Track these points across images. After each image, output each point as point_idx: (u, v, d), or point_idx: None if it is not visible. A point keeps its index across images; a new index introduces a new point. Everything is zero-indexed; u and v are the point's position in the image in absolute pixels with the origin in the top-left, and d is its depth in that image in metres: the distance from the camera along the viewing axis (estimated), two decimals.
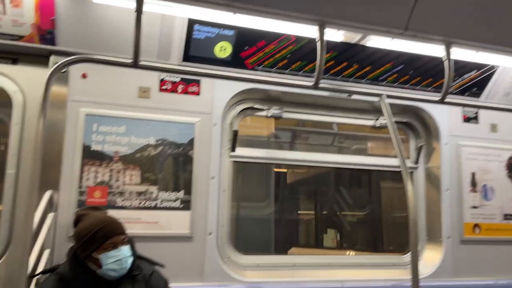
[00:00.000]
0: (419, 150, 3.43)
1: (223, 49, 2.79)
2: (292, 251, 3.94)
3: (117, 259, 1.99)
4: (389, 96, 2.46)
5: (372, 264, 3.23)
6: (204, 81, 2.85)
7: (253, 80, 2.63)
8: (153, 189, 2.69)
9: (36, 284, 2.09)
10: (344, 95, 3.16)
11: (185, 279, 2.60)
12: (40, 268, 2.18)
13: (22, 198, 2.51)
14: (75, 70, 2.58)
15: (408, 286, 2.10)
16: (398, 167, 2.26)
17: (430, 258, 3.29)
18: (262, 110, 3.13)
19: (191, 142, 2.79)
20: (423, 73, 3.26)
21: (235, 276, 2.74)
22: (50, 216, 2.36)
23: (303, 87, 2.59)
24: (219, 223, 2.81)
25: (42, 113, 1.91)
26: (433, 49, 2.59)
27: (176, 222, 2.68)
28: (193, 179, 2.76)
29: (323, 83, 2.40)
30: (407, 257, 3.32)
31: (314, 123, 3.68)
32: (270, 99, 3.17)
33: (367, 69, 3.11)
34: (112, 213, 2.27)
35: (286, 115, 3.19)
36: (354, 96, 3.20)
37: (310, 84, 2.30)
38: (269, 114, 3.13)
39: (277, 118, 3.21)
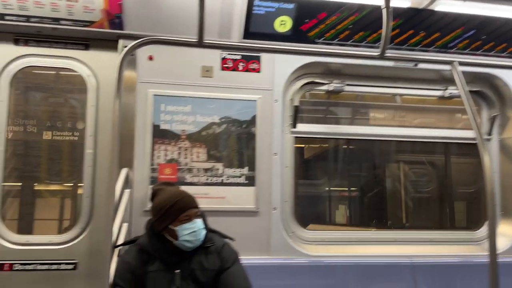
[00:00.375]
0: (492, 120, 3.22)
1: (283, 24, 2.76)
2: (353, 227, 3.91)
3: (192, 231, 2.09)
4: (461, 63, 2.31)
5: (442, 240, 3.13)
6: (264, 57, 2.85)
7: (315, 53, 2.58)
8: (219, 165, 2.76)
9: (119, 254, 2.25)
10: (410, 65, 3.02)
11: (253, 252, 2.67)
12: (120, 240, 2.34)
13: (100, 176, 2.69)
14: (142, 53, 2.68)
15: (480, 261, 2.01)
16: (469, 139, 2.14)
17: (505, 234, 3.13)
18: (323, 84, 3.08)
19: (253, 119, 2.82)
20: (497, 37, 3.02)
21: (301, 250, 2.78)
22: (127, 192, 2.51)
23: (368, 58, 2.51)
24: (283, 199, 2.85)
25: (117, 95, 2.00)
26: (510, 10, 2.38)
27: (242, 197, 2.75)
28: (256, 155, 2.80)
29: (389, 53, 2.30)
30: (479, 233, 3.18)
31: (373, 97, 3.56)
32: (331, 72, 3.10)
33: (435, 36, 2.94)
34: (182, 188, 2.37)
35: (348, 88, 3.12)
36: (421, 66, 3.05)
37: (376, 54, 2.22)
38: (331, 88, 3.08)
39: (338, 92, 3.15)
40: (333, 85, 3.06)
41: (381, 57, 2.22)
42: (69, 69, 2.74)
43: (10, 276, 2.52)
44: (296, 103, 2.96)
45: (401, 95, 3.50)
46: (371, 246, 3.03)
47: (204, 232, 2.14)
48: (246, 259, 2.37)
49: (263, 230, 2.74)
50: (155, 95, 2.70)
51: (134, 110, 2.67)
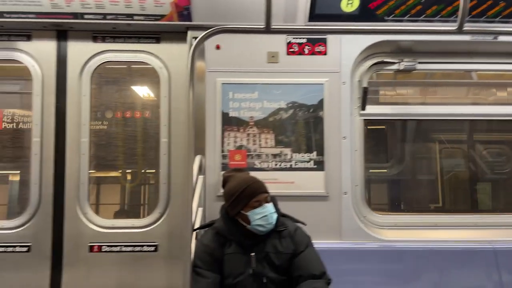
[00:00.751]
0: None
1: (350, 3, 2.68)
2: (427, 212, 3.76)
3: (263, 215, 2.14)
4: None
5: None
6: (331, 39, 2.79)
7: (386, 31, 2.48)
8: (287, 151, 2.78)
9: (196, 237, 2.37)
10: (489, 38, 2.80)
11: (324, 236, 2.67)
12: (196, 224, 2.45)
13: (175, 163, 2.82)
14: (210, 43, 2.74)
15: None
16: None
17: None
18: (393, 63, 2.96)
19: (320, 103, 2.79)
20: None
21: (373, 234, 2.74)
22: (200, 178, 2.61)
23: (444, 33, 2.36)
24: (353, 183, 2.81)
25: (190, 85, 2.07)
26: None
27: (311, 182, 2.75)
28: (324, 140, 2.78)
29: (467, 26, 2.15)
30: None
31: (444, 74, 3.36)
32: (401, 51, 2.97)
33: None
34: (251, 174, 2.42)
35: (420, 66, 2.97)
36: (501, 38, 2.82)
37: (453, 28, 2.08)
38: (401, 67, 2.94)
39: (409, 71, 3.01)
40: (404, 64, 2.93)
41: (459, 31, 2.08)
42: (142, 62, 2.88)
43: (99, 256, 2.75)
44: (365, 84, 2.88)
45: (477, 70, 3.27)
46: (448, 230, 2.90)
47: (275, 216, 2.18)
48: (317, 243, 2.38)
49: (334, 215, 2.73)
50: (223, 83, 2.77)
51: (204, 99, 2.76)
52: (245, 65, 2.78)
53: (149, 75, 2.97)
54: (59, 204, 2.75)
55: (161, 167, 2.83)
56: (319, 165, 2.76)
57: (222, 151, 2.75)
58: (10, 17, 2.65)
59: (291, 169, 2.77)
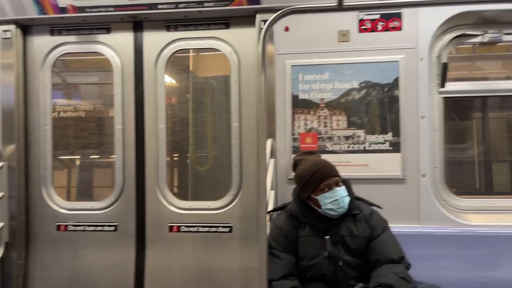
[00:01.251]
0: None
1: None
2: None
3: (333, 200, 2.10)
4: None
5: None
6: (406, 13, 2.63)
7: (468, 1, 2.29)
8: (360, 132, 2.70)
9: (270, 219, 2.40)
10: None
11: (401, 220, 2.58)
12: (269, 207, 2.48)
13: (246, 147, 2.86)
14: (278, 25, 2.70)
15: None
16: None
17: None
18: (475, 36, 2.73)
19: (396, 81, 2.66)
20: None
21: (454, 218, 2.59)
22: (272, 161, 2.63)
23: None
24: (432, 165, 2.66)
25: (262, 69, 2.07)
26: None
27: (386, 164, 2.66)
28: (400, 120, 2.65)
29: None
30: None
31: None
32: (485, 22, 2.72)
33: None
34: (323, 157, 2.39)
35: (506, 38, 2.71)
36: None
37: None
38: (485, 40, 2.71)
39: (494, 43, 2.76)
40: (488, 36, 2.69)
41: None
42: (213, 48, 2.93)
43: (178, 236, 2.89)
44: (444, 59, 2.69)
45: None
46: None
47: (347, 199, 2.14)
48: (394, 227, 2.30)
49: (412, 198, 2.61)
50: (292, 65, 2.73)
51: (274, 82, 2.75)
52: (315, 46, 2.72)
53: (219, 61, 3.02)
54: (141, 187, 2.93)
55: (233, 151, 2.89)
56: (395, 147, 2.65)
57: (293, 134, 2.74)
58: (91, 11, 2.81)
59: (364, 151, 2.68)
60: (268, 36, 2.04)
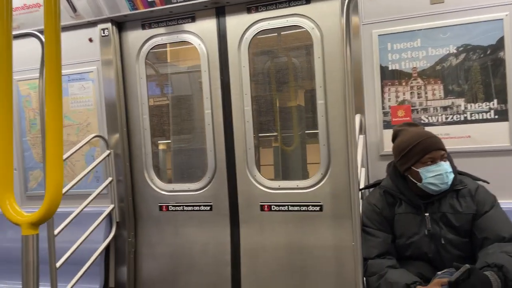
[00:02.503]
0: None
1: None
2: None
3: (437, 174, 1.95)
4: None
5: None
6: None
7: None
8: (460, 101, 2.47)
9: (362, 197, 2.33)
10: None
11: (510, 196, 2.34)
12: (360, 184, 2.40)
13: (333, 124, 2.80)
14: None
15: None
16: None
17: None
18: None
19: (500, 42, 2.38)
20: None
21: None
22: (361, 138, 2.54)
23: None
24: None
25: (347, 41, 1.98)
26: None
27: (491, 135, 2.41)
28: (508, 85, 2.37)
29: None
30: None
31: None
32: None
33: None
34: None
35: None
36: None
37: None
38: None
39: None
40: None
41: None
42: (295, 26, 2.88)
43: (269, 215, 2.96)
44: None
45: None
46: None
47: (452, 176, 1.97)
48: (504, 203, 2.09)
49: None
50: (380, 35, 2.58)
51: (360, 55, 2.63)
52: (404, 11, 2.53)
53: (301, 38, 2.97)
54: (231, 168, 3.03)
55: (320, 129, 2.84)
56: (502, 115, 2.39)
57: (383, 108, 2.61)
58: (176, 2, 2.93)
59: (465, 121, 2.46)
60: (352, 6, 1.94)
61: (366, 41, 2.61)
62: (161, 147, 3.54)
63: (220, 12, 3.03)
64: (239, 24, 2.97)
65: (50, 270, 2.52)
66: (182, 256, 3.17)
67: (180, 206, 3.16)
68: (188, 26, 3.11)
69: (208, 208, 3.09)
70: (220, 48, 3.04)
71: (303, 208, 2.87)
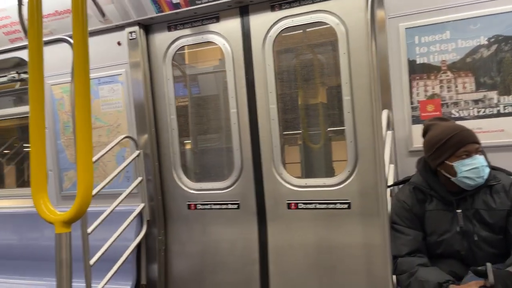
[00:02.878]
0: None
1: None
2: None
3: (473, 167, 1.90)
4: None
5: None
6: None
7: None
8: (492, 94, 2.39)
9: (391, 194, 2.29)
10: None
11: None
12: (388, 181, 2.36)
13: (360, 121, 2.75)
14: None
15: None
16: None
17: None
18: None
19: None
20: None
21: None
22: (389, 134, 2.49)
23: None
24: None
25: (373, 35, 1.95)
26: None
27: None
28: None
29: None
30: None
31: None
32: None
33: None
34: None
35: None
36: None
37: None
38: None
39: None
40: None
41: None
42: (319, 22, 2.85)
43: (296, 213, 2.94)
44: None
45: None
46: None
47: (487, 170, 1.91)
48: None
49: None
50: (407, 28, 2.52)
51: (386, 50, 2.58)
52: (431, 3, 2.47)
53: (325, 35, 2.94)
54: (258, 166, 3.04)
55: (346, 125, 2.81)
56: None
57: (411, 103, 2.55)
58: (200, 3, 2.97)
59: (498, 115, 2.37)
60: (377, 0, 1.91)
61: (392, 35, 2.56)
62: (188, 146, 3.60)
63: (244, 11, 3.04)
64: (263, 23, 2.98)
65: (84, 267, 2.61)
66: (211, 254, 3.21)
67: (207, 204, 3.20)
68: (213, 26, 3.14)
69: (236, 206, 3.12)
70: (244, 47, 3.05)
71: (331, 206, 2.85)
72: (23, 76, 3.83)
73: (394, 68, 2.56)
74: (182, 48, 3.30)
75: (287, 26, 2.93)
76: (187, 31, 3.22)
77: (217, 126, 3.47)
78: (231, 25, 3.08)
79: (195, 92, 3.83)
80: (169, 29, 3.26)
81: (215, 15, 3.12)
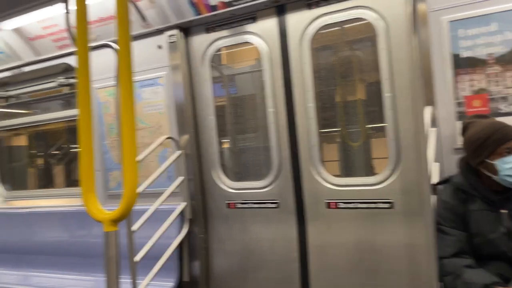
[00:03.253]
0: None
1: None
2: None
3: None
4: None
5: None
6: None
7: None
8: None
9: (435, 193, 2.21)
10: None
11: None
12: (433, 180, 2.28)
13: (402, 118, 2.68)
14: None
15: None
16: None
17: None
18: None
19: None
20: None
21: None
22: (433, 131, 2.41)
23: None
24: None
25: (414, 30, 1.90)
26: None
27: None
28: None
29: None
30: None
31: None
32: None
33: None
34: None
35: None
36: None
37: None
38: None
39: None
40: None
41: None
42: (357, 18, 2.80)
43: (336, 212, 2.91)
44: None
45: None
46: None
47: None
48: None
49: None
50: (450, 21, 2.43)
51: (428, 44, 2.50)
52: None
53: (363, 30, 2.88)
54: (296, 165, 3.03)
55: (388, 123, 2.74)
56: None
57: (456, 99, 2.45)
58: (237, 4, 3.00)
59: None
60: None
61: (435, 29, 2.47)
62: (227, 145, 3.64)
63: (280, 11, 3.04)
64: (300, 21, 2.96)
65: (129, 264, 2.71)
66: (251, 252, 3.23)
67: (247, 203, 3.23)
68: (250, 27, 3.16)
69: (275, 205, 3.13)
70: (281, 46, 3.05)
71: (372, 206, 2.79)
72: (71, 81, 4.02)
73: (437, 63, 2.48)
74: (219, 49, 3.34)
75: (325, 24, 2.90)
76: (224, 33, 3.26)
77: (255, 126, 3.49)
78: (268, 25, 3.09)
79: (233, 92, 3.87)
80: (207, 31, 3.31)
81: (251, 16, 3.14)
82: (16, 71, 4.04)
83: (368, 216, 2.81)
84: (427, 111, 2.35)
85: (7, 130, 4.83)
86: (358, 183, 2.87)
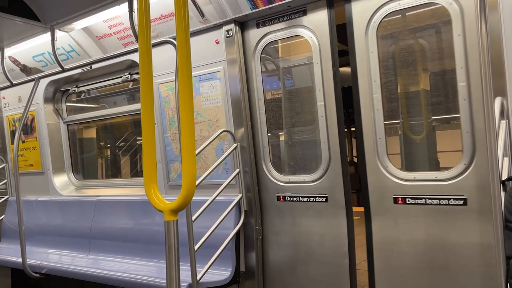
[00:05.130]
0: None
1: None
2: None
3: None
4: None
5: None
6: None
7: None
8: None
9: (505, 190, 2.07)
10: None
11: None
12: (504, 175, 2.13)
13: (476, 108, 2.49)
14: None
15: None
16: None
17: None
18: None
19: None
20: None
21: None
22: (503, 124, 2.24)
23: None
24: None
25: (482, 15, 1.77)
26: None
27: None
28: None
29: None
30: None
31: None
32: None
33: None
34: None
35: None
36: None
37: None
38: None
39: None
40: None
41: None
42: (430, 3, 2.64)
43: (404, 208, 2.79)
44: None
45: None
46: None
47: None
48: None
49: None
50: None
51: (499, 30, 2.31)
52: None
53: (436, 16, 2.69)
54: (361, 158, 2.96)
55: (462, 114, 2.56)
56: None
57: None
58: None
59: None
60: None
61: (506, 14, 2.28)
62: (279, 138, 3.64)
63: (331, 3, 2.97)
64: (366, 9, 2.85)
65: (189, 252, 2.81)
66: (302, 245, 3.24)
67: (296, 196, 3.23)
68: (300, 20, 3.13)
69: (323, 199, 3.11)
70: (331, 38, 2.99)
71: (444, 202, 2.64)
72: (135, 76, 4.22)
73: (509, 51, 2.29)
74: (275, 42, 3.34)
75: (392, 10, 2.77)
76: (275, 27, 3.26)
77: (308, 119, 3.45)
78: (318, 17, 3.04)
79: (288, 85, 3.84)
80: (258, 26, 3.33)
81: (302, 9, 3.11)
82: (85, 68, 4.31)
83: (438, 212, 2.65)
84: (497, 102, 2.18)
85: (78, 123, 5.19)
86: (428, 178, 2.71)
